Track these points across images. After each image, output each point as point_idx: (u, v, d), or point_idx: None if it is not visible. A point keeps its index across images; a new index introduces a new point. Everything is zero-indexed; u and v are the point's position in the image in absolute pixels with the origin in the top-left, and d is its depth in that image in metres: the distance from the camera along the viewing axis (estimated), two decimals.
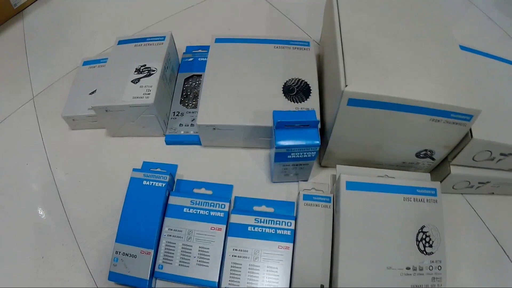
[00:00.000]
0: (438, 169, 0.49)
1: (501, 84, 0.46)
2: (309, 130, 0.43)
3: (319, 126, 0.45)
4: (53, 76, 0.65)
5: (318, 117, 0.48)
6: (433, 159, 0.47)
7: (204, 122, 0.49)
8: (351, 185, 0.43)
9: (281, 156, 0.44)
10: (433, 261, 0.40)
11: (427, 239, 0.41)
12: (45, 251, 0.48)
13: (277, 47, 0.54)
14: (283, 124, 0.42)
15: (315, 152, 0.44)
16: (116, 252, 0.44)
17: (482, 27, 0.68)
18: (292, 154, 0.44)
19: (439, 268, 0.40)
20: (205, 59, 0.58)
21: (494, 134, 0.41)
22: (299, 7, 0.71)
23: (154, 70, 0.52)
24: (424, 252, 0.40)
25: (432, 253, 0.40)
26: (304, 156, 0.44)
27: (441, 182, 0.46)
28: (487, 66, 0.48)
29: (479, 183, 0.48)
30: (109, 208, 0.50)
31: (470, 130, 0.41)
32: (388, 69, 0.40)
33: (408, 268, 0.40)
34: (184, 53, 0.62)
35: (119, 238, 0.45)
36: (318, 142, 0.42)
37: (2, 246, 0.49)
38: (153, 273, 0.44)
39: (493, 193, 0.50)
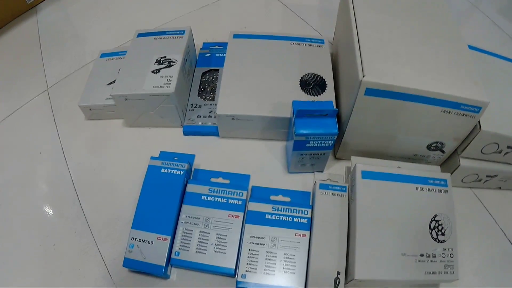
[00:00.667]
0: (448, 162, 0.50)
1: (506, 81, 0.49)
2: (328, 119, 0.44)
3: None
4: (67, 69, 0.65)
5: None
6: (443, 151, 0.48)
7: (224, 112, 0.50)
8: (366, 174, 0.44)
9: (300, 144, 0.45)
10: (445, 249, 0.41)
11: (440, 228, 0.42)
12: (57, 239, 0.48)
13: (293, 44, 0.56)
14: (303, 112, 0.43)
15: (332, 141, 0.45)
16: (132, 239, 0.44)
17: (486, 31, 0.71)
18: (310, 142, 0.45)
19: (451, 256, 0.41)
20: (222, 55, 0.60)
21: (501, 127, 0.43)
22: (310, 8, 0.74)
23: (174, 62, 0.53)
24: (437, 240, 0.41)
25: (445, 241, 0.41)
26: (322, 145, 0.45)
27: (451, 174, 0.48)
28: (493, 64, 0.50)
29: (487, 176, 0.49)
30: (124, 198, 0.50)
31: (479, 122, 0.43)
32: (401, 63, 0.42)
33: (422, 255, 0.40)
34: (201, 48, 0.64)
35: (136, 225, 0.44)
36: (336, 130, 0.43)
37: (13, 234, 0.48)
38: (169, 259, 0.44)
39: (500, 188, 0.52)
